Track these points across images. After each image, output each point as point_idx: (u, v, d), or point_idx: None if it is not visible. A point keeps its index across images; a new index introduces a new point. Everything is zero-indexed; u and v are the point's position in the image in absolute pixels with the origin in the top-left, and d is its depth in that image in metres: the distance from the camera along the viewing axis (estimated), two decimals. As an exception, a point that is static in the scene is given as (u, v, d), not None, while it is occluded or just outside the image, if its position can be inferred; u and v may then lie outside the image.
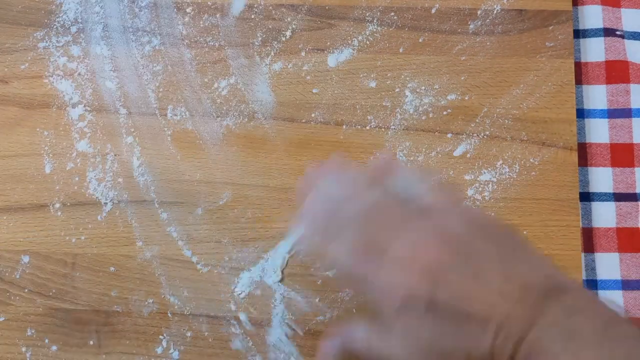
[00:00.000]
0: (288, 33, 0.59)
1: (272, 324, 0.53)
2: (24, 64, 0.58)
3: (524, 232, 0.55)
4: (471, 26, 0.59)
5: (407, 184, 0.42)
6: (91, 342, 0.53)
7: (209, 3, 0.59)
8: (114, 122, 0.57)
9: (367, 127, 0.57)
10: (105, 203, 0.56)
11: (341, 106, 0.57)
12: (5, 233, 0.55)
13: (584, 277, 0.55)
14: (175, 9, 0.59)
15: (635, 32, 0.61)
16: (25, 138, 0.57)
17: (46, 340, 0.53)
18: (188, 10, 0.59)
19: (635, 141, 0.58)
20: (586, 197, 0.58)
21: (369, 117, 0.57)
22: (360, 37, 0.59)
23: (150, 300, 0.54)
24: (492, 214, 0.55)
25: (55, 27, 0.58)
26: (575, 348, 0.33)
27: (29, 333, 0.53)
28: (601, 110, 0.59)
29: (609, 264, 0.56)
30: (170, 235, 0.55)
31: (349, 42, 0.58)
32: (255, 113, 0.57)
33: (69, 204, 0.56)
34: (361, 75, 0.58)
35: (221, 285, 0.54)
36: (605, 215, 0.57)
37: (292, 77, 0.58)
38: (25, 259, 0.55)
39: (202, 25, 0.59)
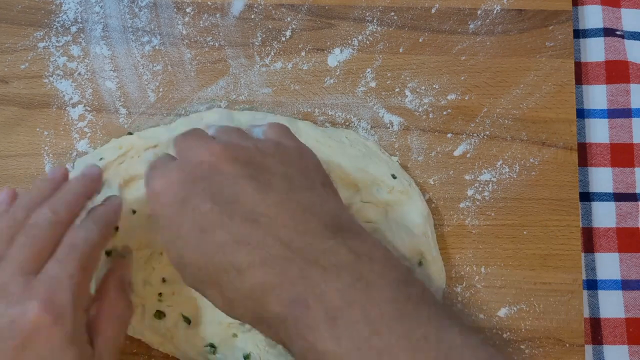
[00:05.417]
0: (288, 33, 0.59)
1: None
2: (24, 64, 0.58)
3: (524, 232, 0.55)
4: (471, 26, 0.59)
5: None
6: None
7: (209, 3, 0.59)
8: (114, 122, 0.57)
9: (367, 127, 0.57)
10: (105, 203, 0.56)
11: (341, 106, 0.57)
12: (5, 233, 0.55)
13: (584, 277, 0.56)
14: (175, 9, 0.59)
15: (635, 32, 0.61)
16: (25, 138, 0.57)
17: (46, 340, 0.53)
18: (188, 10, 0.59)
19: (635, 141, 0.58)
20: (586, 197, 0.58)
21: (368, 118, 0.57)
22: (360, 37, 0.59)
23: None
24: (492, 214, 0.55)
25: (55, 27, 0.58)
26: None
27: (29, 333, 0.53)
28: (601, 110, 0.59)
29: (609, 264, 0.56)
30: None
31: (349, 42, 0.58)
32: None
33: (69, 204, 0.56)
34: (361, 75, 0.58)
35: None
36: (605, 215, 0.57)
37: (292, 77, 0.58)
38: (25, 259, 0.55)
39: (202, 25, 0.59)
